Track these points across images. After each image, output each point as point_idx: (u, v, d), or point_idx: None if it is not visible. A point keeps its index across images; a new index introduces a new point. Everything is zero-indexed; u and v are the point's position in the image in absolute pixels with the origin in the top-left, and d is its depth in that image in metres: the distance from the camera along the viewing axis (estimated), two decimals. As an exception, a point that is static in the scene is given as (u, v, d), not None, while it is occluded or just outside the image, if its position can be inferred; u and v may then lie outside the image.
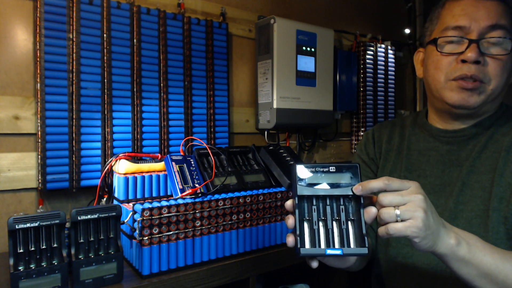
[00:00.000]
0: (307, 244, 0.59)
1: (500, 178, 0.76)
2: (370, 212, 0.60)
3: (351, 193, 0.60)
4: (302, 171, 0.60)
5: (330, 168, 0.61)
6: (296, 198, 0.60)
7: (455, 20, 0.80)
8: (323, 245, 0.59)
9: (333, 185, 0.61)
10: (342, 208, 0.61)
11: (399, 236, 0.58)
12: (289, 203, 0.62)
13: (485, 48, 0.77)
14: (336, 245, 0.59)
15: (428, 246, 0.60)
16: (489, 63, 0.77)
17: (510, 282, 0.63)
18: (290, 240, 0.60)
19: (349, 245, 0.59)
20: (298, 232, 0.59)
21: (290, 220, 0.60)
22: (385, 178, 0.60)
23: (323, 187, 0.60)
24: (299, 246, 0.58)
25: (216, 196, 1.01)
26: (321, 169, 0.61)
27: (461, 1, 0.81)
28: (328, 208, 0.61)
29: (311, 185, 0.60)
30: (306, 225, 0.60)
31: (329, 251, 0.58)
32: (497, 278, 0.63)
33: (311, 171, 0.60)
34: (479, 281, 0.63)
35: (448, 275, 0.77)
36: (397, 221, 0.57)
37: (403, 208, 0.58)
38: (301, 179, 0.60)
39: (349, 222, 0.61)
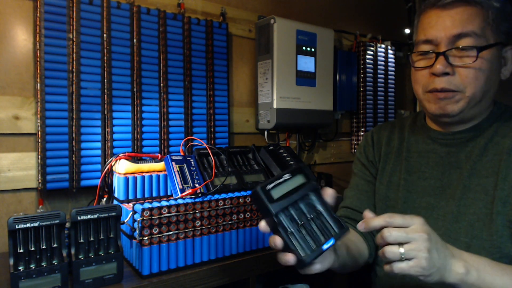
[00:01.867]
0: (306, 251, 0.60)
1: (503, 182, 0.75)
2: (328, 193, 0.65)
3: (311, 191, 0.65)
4: (265, 192, 0.61)
5: (284, 176, 0.64)
6: (275, 218, 0.60)
7: (424, 34, 0.80)
8: (314, 246, 0.61)
9: (294, 190, 0.64)
10: (309, 204, 0.65)
11: (402, 274, 0.59)
12: (263, 225, 0.62)
13: (453, 58, 0.76)
14: (326, 239, 0.62)
15: (435, 281, 0.61)
16: (459, 72, 0.76)
17: None
18: (290, 258, 0.59)
19: (334, 232, 0.63)
20: (293, 247, 0.59)
21: (278, 241, 0.60)
22: (387, 215, 0.60)
23: (288, 195, 0.63)
24: (301, 257, 0.59)
25: (216, 196, 1.01)
26: (278, 181, 0.63)
27: (428, 13, 0.80)
28: (300, 210, 0.64)
29: (279, 199, 0.61)
30: (292, 237, 0.60)
31: (325, 246, 0.61)
32: None
33: (271, 188, 0.62)
34: None
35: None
36: (401, 259, 0.58)
37: (407, 247, 0.58)
38: (269, 199, 0.61)
39: (321, 215, 0.64)
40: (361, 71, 1.83)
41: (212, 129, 1.39)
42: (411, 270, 0.58)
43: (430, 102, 0.81)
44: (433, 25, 0.78)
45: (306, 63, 1.54)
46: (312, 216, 0.64)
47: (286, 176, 0.64)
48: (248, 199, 1.02)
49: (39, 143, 1.06)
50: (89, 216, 0.81)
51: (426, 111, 0.85)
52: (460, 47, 0.75)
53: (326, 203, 0.65)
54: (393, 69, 1.95)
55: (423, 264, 0.58)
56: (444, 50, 0.76)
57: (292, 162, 1.24)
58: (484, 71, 0.76)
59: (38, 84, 1.06)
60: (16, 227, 0.74)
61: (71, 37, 1.10)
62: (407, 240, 0.59)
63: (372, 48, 1.85)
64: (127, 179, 1.02)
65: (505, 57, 0.81)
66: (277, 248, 0.60)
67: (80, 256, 0.81)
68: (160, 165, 1.08)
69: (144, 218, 0.87)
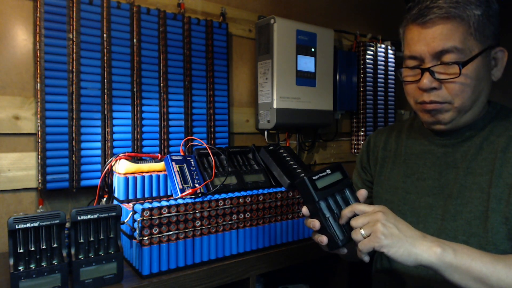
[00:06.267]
0: (340, 236, 0.71)
1: (498, 179, 0.76)
2: (361, 194, 0.75)
3: (346, 186, 0.76)
4: (312, 181, 0.72)
5: (327, 171, 0.74)
6: (317, 204, 0.71)
7: (408, 50, 0.81)
8: (347, 233, 0.71)
9: (333, 184, 0.74)
10: (344, 198, 0.75)
11: (369, 251, 0.66)
12: (305, 210, 0.74)
13: (438, 74, 0.77)
14: None
15: (406, 256, 0.66)
16: (446, 86, 0.77)
17: (504, 284, 0.64)
18: (324, 239, 0.71)
19: None
20: (330, 230, 0.71)
21: (317, 224, 0.71)
22: (355, 204, 0.73)
23: (328, 187, 0.73)
24: (336, 240, 0.70)
25: (216, 196, 1.01)
26: (322, 174, 0.74)
27: (411, 28, 0.81)
28: (336, 201, 0.74)
29: (322, 189, 0.72)
30: (329, 222, 0.71)
31: None
32: (490, 281, 0.65)
33: (317, 179, 0.72)
34: (475, 286, 0.66)
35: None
36: (364, 238, 0.67)
37: (365, 226, 0.68)
38: (314, 187, 0.71)
39: None
40: (361, 71, 1.83)
41: (212, 129, 1.39)
42: (370, 243, 0.66)
43: (422, 112, 0.83)
44: (415, 41, 0.79)
45: (306, 63, 1.54)
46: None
47: (328, 171, 0.74)
48: (248, 199, 1.02)
49: (39, 143, 1.06)
50: (89, 216, 0.81)
51: (421, 119, 0.87)
52: (444, 62, 0.76)
53: (357, 199, 0.75)
54: (393, 69, 1.95)
55: (378, 234, 0.65)
56: (429, 66, 0.77)
57: (292, 162, 1.24)
58: (470, 83, 0.77)
59: (38, 84, 1.06)
60: (16, 227, 0.74)
61: (71, 37, 1.10)
62: (365, 221, 0.68)
63: (372, 48, 1.85)
64: (127, 179, 1.02)
65: (496, 58, 0.81)
66: (315, 229, 0.72)
67: (80, 256, 0.81)
68: (160, 165, 1.09)
69: (144, 218, 0.87)
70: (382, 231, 0.65)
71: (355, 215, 0.71)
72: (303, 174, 1.18)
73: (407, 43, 0.82)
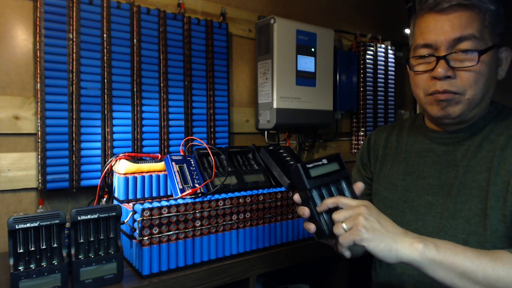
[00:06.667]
0: (328, 225, 0.70)
1: (496, 177, 0.77)
2: (357, 186, 0.73)
3: (343, 178, 0.74)
4: (305, 169, 0.71)
5: (323, 161, 0.73)
6: (308, 192, 0.70)
7: (422, 38, 0.80)
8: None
9: (328, 174, 0.73)
10: (339, 189, 0.74)
11: (350, 244, 0.65)
12: (297, 197, 0.73)
13: (454, 62, 0.77)
14: None
15: (386, 251, 0.64)
16: (460, 76, 0.77)
17: (491, 278, 0.63)
18: (312, 227, 0.70)
19: None
20: (318, 219, 0.70)
21: (306, 211, 0.70)
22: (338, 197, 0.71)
23: (323, 177, 0.72)
24: (323, 229, 0.69)
25: (216, 196, 1.01)
26: (317, 163, 0.72)
27: (426, 17, 0.80)
28: (330, 192, 0.73)
29: (315, 177, 0.71)
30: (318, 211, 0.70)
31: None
32: (476, 276, 0.63)
33: (311, 167, 0.71)
34: (460, 282, 0.64)
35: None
36: (345, 231, 0.66)
37: (347, 220, 0.67)
38: (307, 175, 0.70)
39: None
40: (361, 71, 1.83)
41: (212, 129, 1.39)
42: (351, 236, 0.64)
43: (432, 104, 0.82)
44: (431, 29, 0.79)
45: (306, 63, 1.54)
46: None
47: (324, 161, 0.73)
48: (248, 199, 1.02)
49: (39, 143, 1.06)
50: (89, 216, 0.81)
51: (428, 113, 0.86)
52: (461, 50, 0.76)
53: (353, 192, 0.73)
54: (393, 69, 1.95)
55: (359, 227, 0.64)
56: (445, 54, 0.77)
57: (292, 162, 1.24)
58: (484, 73, 0.77)
59: (38, 84, 1.06)
60: (16, 227, 0.74)
61: (71, 37, 1.10)
62: (347, 215, 0.67)
63: (372, 48, 1.85)
64: (127, 179, 1.02)
65: (500, 57, 0.82)
66: (304, 217, 0.71)
67: (80, 256, 0.81)
68: (160, 165, 1.09)
69: (144, 218, 0.87)
70: (364, 225, 0.64)
71: (337, 208, 0.69)
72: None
73: (421, 31, 0.81)
